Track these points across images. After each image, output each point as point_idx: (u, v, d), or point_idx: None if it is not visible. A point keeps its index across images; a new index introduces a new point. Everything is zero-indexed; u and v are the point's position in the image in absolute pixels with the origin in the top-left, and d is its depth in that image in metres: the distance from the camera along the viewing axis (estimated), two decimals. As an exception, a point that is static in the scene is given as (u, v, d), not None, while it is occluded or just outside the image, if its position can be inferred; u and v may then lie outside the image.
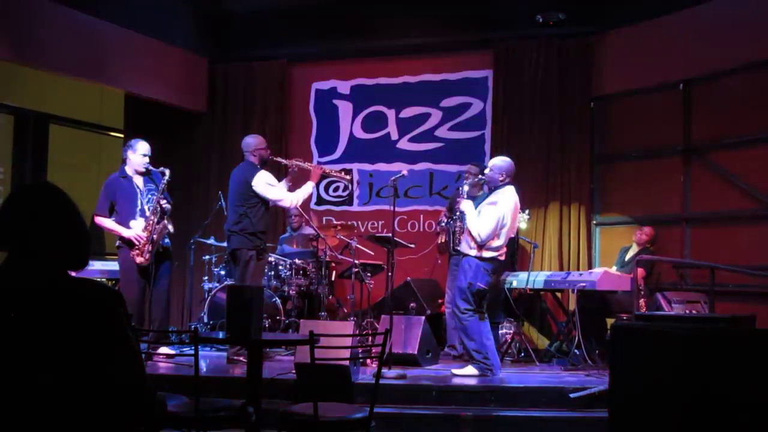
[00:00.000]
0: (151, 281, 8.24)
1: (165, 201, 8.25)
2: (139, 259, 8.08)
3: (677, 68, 9.70)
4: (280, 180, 8.56)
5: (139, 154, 8.30)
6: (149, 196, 8.28)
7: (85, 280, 2.71)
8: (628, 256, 9.42)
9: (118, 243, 8.27)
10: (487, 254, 7.59)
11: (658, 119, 9.99)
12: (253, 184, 8.15)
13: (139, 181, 8.33)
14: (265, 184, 8.19)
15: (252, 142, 8.47)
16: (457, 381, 7.44)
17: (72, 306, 2.55)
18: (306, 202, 9.88)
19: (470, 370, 7.63)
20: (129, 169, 8.33)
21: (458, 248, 7.95)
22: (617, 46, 10.36)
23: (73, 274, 2.69)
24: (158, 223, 8.16)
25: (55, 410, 2.46)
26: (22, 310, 2.50)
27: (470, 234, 7.64)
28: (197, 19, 11.71)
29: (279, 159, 8.77)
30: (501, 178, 7.77)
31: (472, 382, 7.40)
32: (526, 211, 9.31)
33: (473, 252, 7.61)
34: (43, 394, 2.46)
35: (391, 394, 6.95)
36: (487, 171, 7.95)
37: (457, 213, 8.19)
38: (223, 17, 11.82)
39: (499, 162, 7.90)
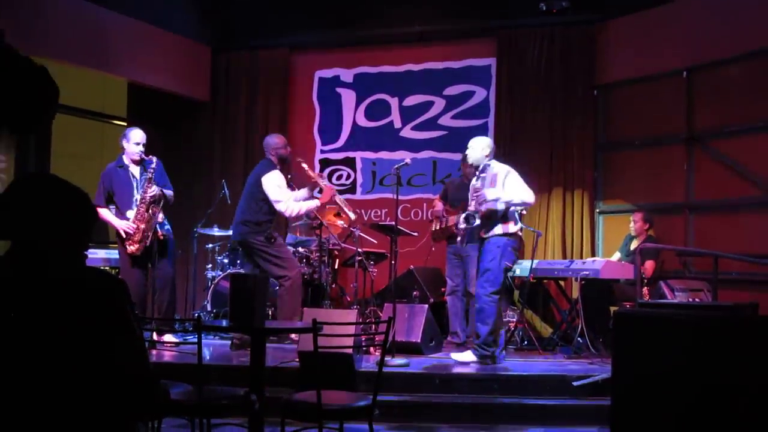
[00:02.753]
0: (152, 269, 8.30)
1: (156, 189, 8.22)
2: (130, 249, 8.12)
3: (681, 56, 9.68)
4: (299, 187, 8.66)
5: (132, 143, 8.31)
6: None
7: (89, 268, 2.71)
8: (633, 246, 9.38)
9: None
10: (512, 229, 7.62)
11: (661, 107, 9.98)
12: (263, 179, 8.24)
13: (135, 170, 8.36)
14: (273, 184, 8.31)
15: (272, 142, 8.60)
16: (459, 369, 7.45)
17: (75, 294, 2.55)
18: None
19: (469, 356, 7.64)
20: (126, 159, 8.36)
21: (484, 235, 7.74)
22: (621, 34, 10.34)
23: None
24: (147, 210, 8.16)
25: (59, 398, 2.47)
26: (25, 299, 2.50)
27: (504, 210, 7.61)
28: (200, 8, 11.69)
29: (303, 165, 8.80)
30: (486, 154, 7.81)
31: (475, 369, 7.41)
32: None
33: (500, 230, 7.60)
34: (46, 381, 2.46)
35: (394, 382, 6.95)
36: (468, 151, 7.98)
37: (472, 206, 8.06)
38: (226, 5, 11.80)
39: (479, 140, 8.01)
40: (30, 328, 2.48)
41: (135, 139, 8.32)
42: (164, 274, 8.38)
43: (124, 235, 8.12)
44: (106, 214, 8.22)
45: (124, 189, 8.26)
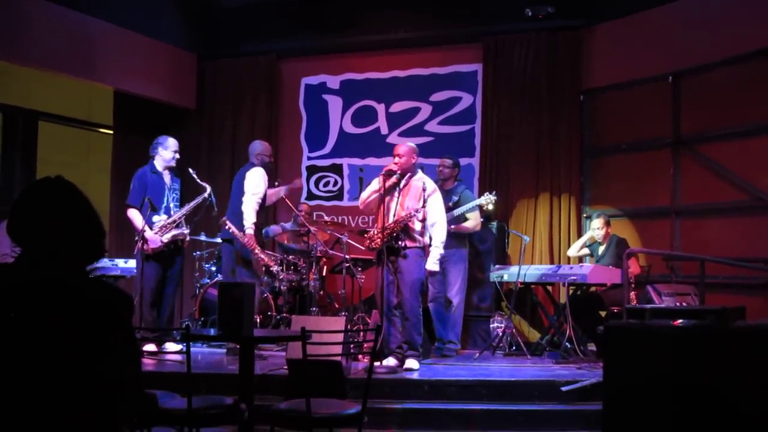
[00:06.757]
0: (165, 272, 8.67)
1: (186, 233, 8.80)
2: (148, 246, 8.40)
3: (666, 61, 9.71)
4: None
5: (170, 150, 8.77)
6: (173, 194, 8.74)
7: (97, 280, 2.71)
8: (601, 251, 9.31)
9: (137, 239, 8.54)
10: (422, 241, 7.75)
11: (647, 112, 10.01)
12: (246, 174, 8.44)
13: (167, 177, 8.74)
14: (256, 177, 8.44)
15: (258, 147, 8.84)
16: (448, 375, 7.43)
17: (79, 304, 2.55)
18: (296, 197, 10.13)
19: (415, 363, 7.64)
20: (159, 165, 8.71)
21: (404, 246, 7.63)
22: (606, 39, 10.36)
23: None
24: (175, 227, 8.62)
25: (51, 402, 2.47)
26: (28, 306, 2.50)
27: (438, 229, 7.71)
28: (186, 15, 11.69)
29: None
30: (414, 161, 7.84)
31: (464, 376, 7.40)
32: (494, 192, 9.21)
33: (421, 241, 7.69)
34: (39, 385, 2.47)
35: (383, 388, 6.96)
36: (396, 159, 7.78)
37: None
38: (211, 13, 11.81)
39: (408, 146, 7.91)
40: (31, 334, 2.48)
41: (173, 147, 8.81)
42: (176, 278, 8.78)
43: (148, 243, 8.35)
44: (135, 215, 8.48)
45: (157, 194, 8.57)
